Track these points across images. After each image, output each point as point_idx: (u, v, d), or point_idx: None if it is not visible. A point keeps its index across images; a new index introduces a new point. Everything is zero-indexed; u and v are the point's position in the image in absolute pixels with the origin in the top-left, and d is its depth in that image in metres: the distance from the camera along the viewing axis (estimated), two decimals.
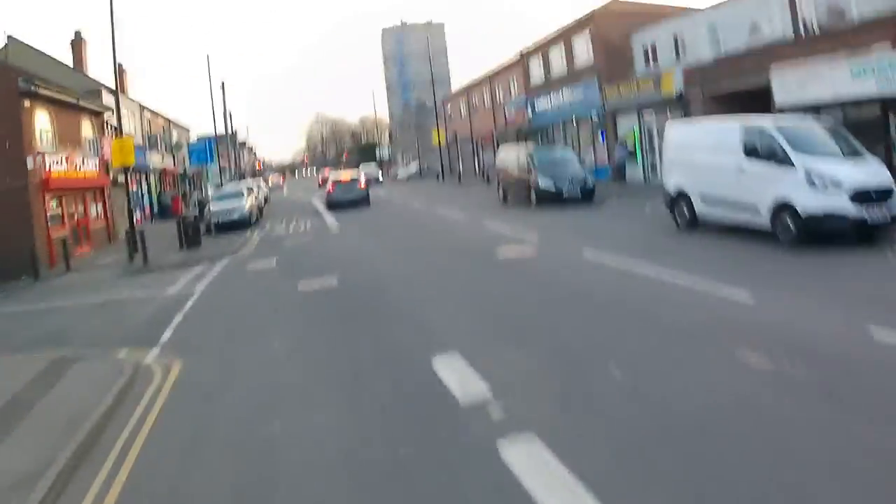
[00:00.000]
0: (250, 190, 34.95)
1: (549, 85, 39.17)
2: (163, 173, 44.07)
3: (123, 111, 34.24)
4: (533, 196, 25.16)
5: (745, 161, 13.53)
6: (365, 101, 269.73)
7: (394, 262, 15.91)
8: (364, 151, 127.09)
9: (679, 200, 15.76)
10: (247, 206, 30.17)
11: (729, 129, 14.33)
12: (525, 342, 8.35)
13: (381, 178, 61.63)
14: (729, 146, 13.96)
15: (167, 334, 11.20)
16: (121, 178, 31.53)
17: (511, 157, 27.90)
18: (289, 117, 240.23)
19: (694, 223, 15.37)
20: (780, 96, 20.24)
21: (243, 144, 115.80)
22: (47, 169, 22.84)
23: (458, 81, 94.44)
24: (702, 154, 14.98)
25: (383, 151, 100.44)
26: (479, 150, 54.48)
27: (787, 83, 19.93)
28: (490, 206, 27.72)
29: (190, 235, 23.75)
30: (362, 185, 35.34)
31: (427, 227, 23.25)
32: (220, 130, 49.52)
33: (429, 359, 7.90)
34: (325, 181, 49.71)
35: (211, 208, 29.68)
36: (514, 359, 7.74)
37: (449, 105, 62.69)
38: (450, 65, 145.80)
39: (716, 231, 14.77)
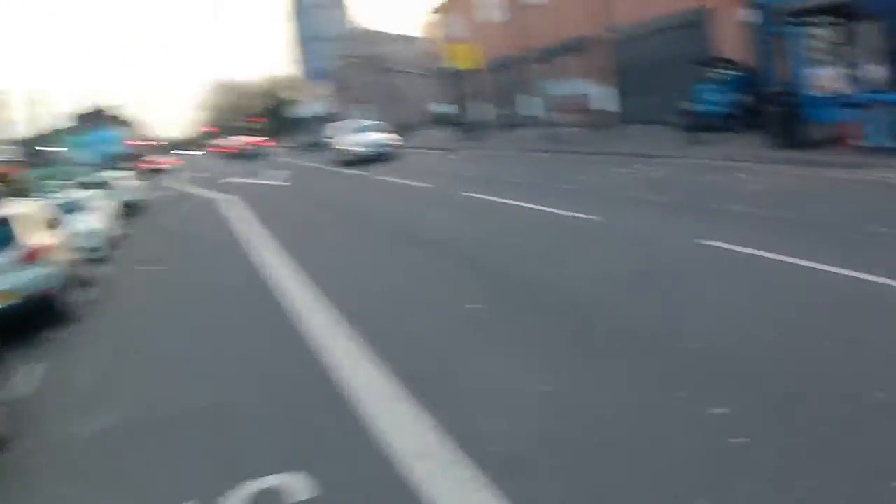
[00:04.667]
0: None
1: None
2: None
3: None
4: None
5: None
6: (267, 61, 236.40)
7: None
8: (278, 112, 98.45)
9: None
10: None
11: None
12: None
13: (389, 146, 26.99)
14: None
15: None
16: None
17: None
18: (186, 90, 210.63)
19: None
20: None
21: (115, 118, 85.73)
22: None
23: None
24: None
25: (312, 107, 72.26)
26: (528, 79, 28.36)
27: None
28: None
29: None
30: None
31: None
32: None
33: None
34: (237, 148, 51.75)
35: None
36: None
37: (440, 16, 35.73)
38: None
39: None
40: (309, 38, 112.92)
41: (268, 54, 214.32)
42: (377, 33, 57.18)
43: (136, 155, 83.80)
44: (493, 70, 31.00)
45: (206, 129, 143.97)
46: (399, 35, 56.52)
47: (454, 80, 30.93)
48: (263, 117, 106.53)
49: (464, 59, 27.88)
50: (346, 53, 56.49)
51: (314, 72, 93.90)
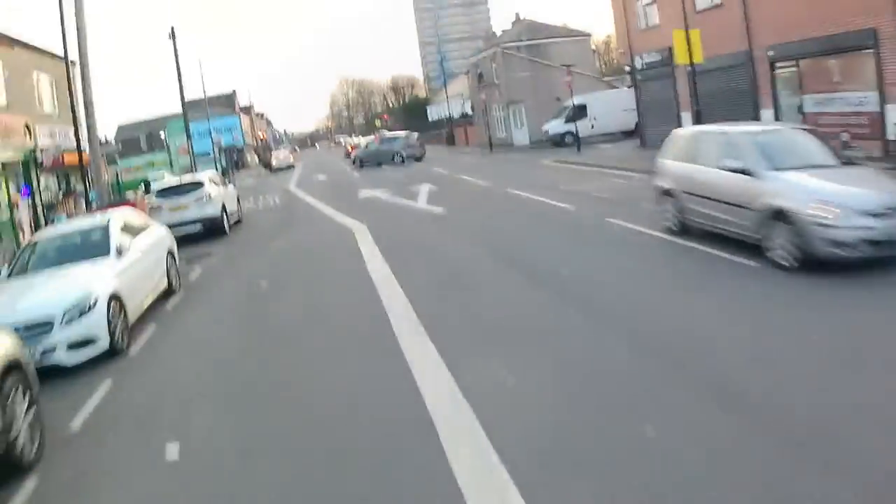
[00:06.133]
0: None
1: None
2: None
3: None
4: None
5: None
6: (394, 62, 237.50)
7: None
8: (411, 110, 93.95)
9: None
10: None
11: None
12: None
13: None
14: None
15: None
16: None
17: None
18: (314, 86, 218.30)
19: None
20: None
21: (248, 109, 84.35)
22: None
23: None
24: None
25: (444, 108, 67.04)
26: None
27: None
28: None
29: None
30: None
31: None
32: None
33: None
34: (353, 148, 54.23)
35: None
36: None
37: None
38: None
39: None
40: (442, 36, 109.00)
41: (392, 55, 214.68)
42: (544, 25, 50.36)
43: (264, 145, 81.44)
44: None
45: (328, 126, 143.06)
46: (566, 28, 50.42)
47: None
48: (390, 114, 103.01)
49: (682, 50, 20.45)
50: (505, 43, 49.71)
51: (446, 70, 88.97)
